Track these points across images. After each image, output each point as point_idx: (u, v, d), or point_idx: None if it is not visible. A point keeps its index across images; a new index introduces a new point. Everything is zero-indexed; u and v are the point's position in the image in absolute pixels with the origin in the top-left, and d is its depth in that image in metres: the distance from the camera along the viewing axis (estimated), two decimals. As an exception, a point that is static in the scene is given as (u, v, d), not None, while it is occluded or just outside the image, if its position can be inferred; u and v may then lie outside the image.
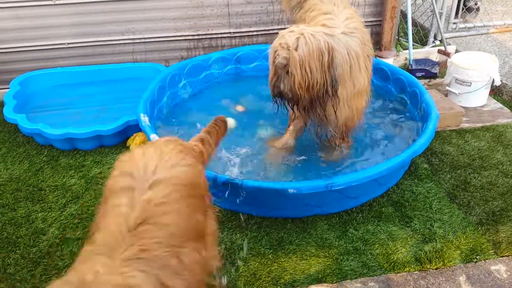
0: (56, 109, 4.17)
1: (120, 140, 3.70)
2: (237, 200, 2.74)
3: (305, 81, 2.62)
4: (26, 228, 2.92)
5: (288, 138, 3.27)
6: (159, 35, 4.61)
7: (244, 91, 4.25)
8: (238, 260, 2.66)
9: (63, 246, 2.77)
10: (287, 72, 2.64)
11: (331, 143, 3.22)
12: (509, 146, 3.56)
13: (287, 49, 2.59)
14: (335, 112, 2.88)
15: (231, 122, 3.56)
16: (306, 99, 2.72)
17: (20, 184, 3.30)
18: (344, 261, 2.65)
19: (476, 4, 5.47)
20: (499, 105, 4.17)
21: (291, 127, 3.27)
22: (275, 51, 2.67)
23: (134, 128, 3.62)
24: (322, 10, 3.10)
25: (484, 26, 5.53)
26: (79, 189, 3.23)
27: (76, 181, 3.32)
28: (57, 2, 4.26)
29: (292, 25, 2.77)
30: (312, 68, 2.59)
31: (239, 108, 3.98)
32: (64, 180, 3.33)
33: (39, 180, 3.33)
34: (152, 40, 4.62)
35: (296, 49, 2.57)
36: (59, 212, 3.05)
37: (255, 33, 4.80)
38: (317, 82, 2.64)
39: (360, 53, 2.81)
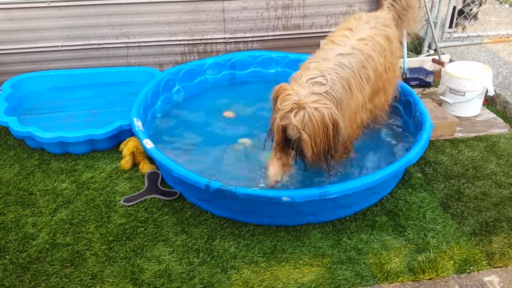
0: (48, 112, 4.14)
1: (112, 145, 3.67)
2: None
3: (313, 152, 2.71)
4: (16, 233, 2.87)
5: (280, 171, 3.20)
6: (153, 39, 4.59)
7: (238, 97, 4.24)
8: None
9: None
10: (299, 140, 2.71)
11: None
12: (502, 156, 3.57)
13: (298, 132, 2.63)
14: None
15: (246, 141, 3.54)
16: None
17: (10, 188, 3.25)
18: (337, 270, 2.63)
19: (471, 10, 5.49)
20: (493, 115, 4.19)
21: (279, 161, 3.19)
22: (284, 128, 2.70)
23: (127, 132, 3.59)
24: (349, 25, 3.23)
25: (478, 36, 5.56)
26: (70, 194, 3.19)
27: (67, 185, 3.28)
28: (51, 4, 4.23)
29: (288, 88, 2.75)
30: (317, 141, 2.67)
31: (229, 114, 3.95)
32: (55, 184, 3.28)
33: (30, 184, 3.29)
34: (147, 44, 4.61)
35: (304, 129, 2.62)
36: (50, 217, 3.00)
37: (250, 39, 4.80)
38: (320, 151, 2.73)
39: (350, 77, 2.86)
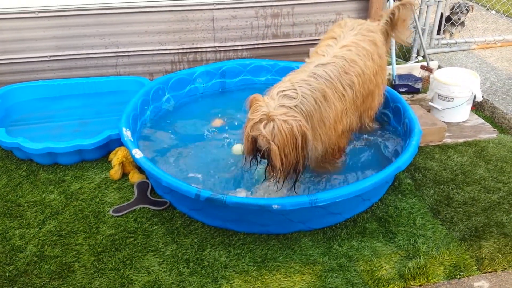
0: (37, 123, 4.11)
1: (102, 155, 3.65)
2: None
3: (282, 164, 2.71)
4: (3, 246, 2.84)
5: None
6: (143, 49, 4.59)
7: (228, 105, 4.23)
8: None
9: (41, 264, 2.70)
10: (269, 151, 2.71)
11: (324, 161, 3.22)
12: (491, 162, 3.59)
13: (267, 142, 2.65)
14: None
15: (240, 148, 3.48)
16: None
17: (-3, 199, 3.22)
18: (328, 278, 2.62)
19: (459, 19, 5.55)
20: (481, 120, 4.22)
21: None
22: (254, 138, 2.72)
23: (116, 142, 3.57)
24: (334, 33, 3.28)
25: (466, 42, 5.62)
26: (58, 205, 3.16)
27: (56, 196, 3.25)
28: (40, 15, 4.22)
29: (260, 99, 2.76)
30: (286, 153, 2.68)
31: (218, 122, 3.94)
32: (43, 195, 3.25)
33: (18, 196, 3.25)
34: (136, 53, 4.60)
35: (273, 140, 2.63)
36: (38, 228, 2.97)
37: (239, 47, 4.81)
38: (290, 163, 2.73)
39: (325, 87, 2.86)
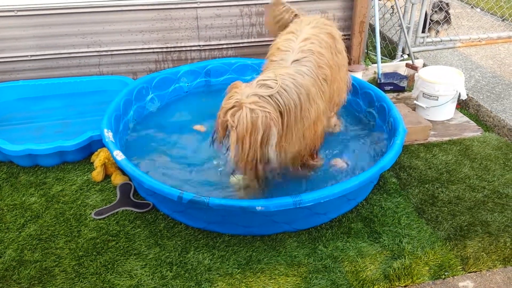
0: (17, 124, 4.01)
1: (84, 156, 3.58)
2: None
3: (244, 154, 2.59)
4: (-19, 251, 2.78)
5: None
6: (126, 48, 4.51)
7: (213, 104, 4.16)
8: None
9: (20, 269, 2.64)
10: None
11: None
12: (476, 160, 3.60)
13: (230, 128, 2.55)
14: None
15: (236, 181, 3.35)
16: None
17: (-24, 203, 3.14)
18: (313, 280, 2.60)
19: (431, 16, 5.53)
20: (466, 118, 4.23)
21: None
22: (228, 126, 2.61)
23: (98, 143, 3.50)
24: (290, 29, 3.18)
25: (451, 40, 5.63)
26: (39, 208, 3.10)
27: (36, 199, 3.18)
28: (19, 14, 4.12)
29: (238, 86, 2.67)
30: (244, 144, 2.54)
31: (199, 127, 3.89)
32: (23, 198, 3.18)
33: (-3, 199, 3.19)
34: (119, 52, 4.52)
35: (236, 127, 2.51)
36: (17, 232, 2.91)
37: (224, 46, 4.76)
38: (247, 156, 2.60)
39: (310, 85, 2.77)
